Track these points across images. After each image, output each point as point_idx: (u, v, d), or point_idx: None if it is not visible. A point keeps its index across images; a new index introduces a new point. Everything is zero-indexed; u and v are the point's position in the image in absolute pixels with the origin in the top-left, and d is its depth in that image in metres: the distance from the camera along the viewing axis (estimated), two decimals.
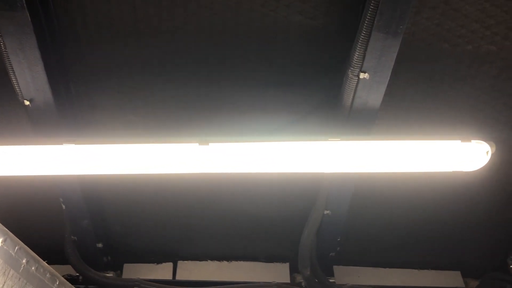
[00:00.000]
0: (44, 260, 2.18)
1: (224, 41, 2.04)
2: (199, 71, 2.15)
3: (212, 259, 3.11)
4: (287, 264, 3.11)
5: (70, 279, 2.79)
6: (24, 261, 2.09)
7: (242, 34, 2.02)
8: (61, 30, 2.02)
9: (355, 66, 1.88)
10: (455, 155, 2.01)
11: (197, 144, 1.94)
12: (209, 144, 1.95)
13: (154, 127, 2.34)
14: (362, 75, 1.90)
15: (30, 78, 1.98)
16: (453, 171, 2.06)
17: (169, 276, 3.05)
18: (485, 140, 1.97)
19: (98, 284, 2.82)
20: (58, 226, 2.70)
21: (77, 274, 2.83)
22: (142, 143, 1.96)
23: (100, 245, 2.83)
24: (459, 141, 1.98)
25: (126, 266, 3.07)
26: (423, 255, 3.08)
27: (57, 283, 2.24)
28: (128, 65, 2.15)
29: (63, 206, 2.57)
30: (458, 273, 3.17)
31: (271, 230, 2.92)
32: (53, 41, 2.00)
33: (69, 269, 2.82)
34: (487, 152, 1.98)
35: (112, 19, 1.99)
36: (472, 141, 1.98)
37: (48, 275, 2.16)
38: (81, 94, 2.25)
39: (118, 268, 3.05)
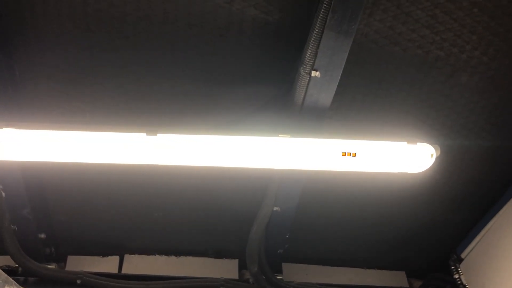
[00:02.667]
0: None
1: (176, 31, 2.01)
2: (149, 61, 2.10)
3: (160, 253, 3.06)
4: (236, 260, 3.10)
5: (9, 270, 2.69)
6: None
7: (195, 25, 1.98)
8: (5, 8, 1.93)
9: (307, 64, 1.88)
10: (401, 157, 2.05)
11: (145, 134, 1.90)
12: (157, 134, 1.91)
13: (102, 116, 2.27)
14: (313, 73, 1.90)
15: None
16: (399, 172, 2.11)
17: (114, 270, 2.98)
18: (431, 143, 2.02)
19: (38, 276, 2.73)
20: None
21: (17, 265, 2.72)
22: (86, 130, 1.90)
23: (42, 235, 2.72)
24: (405, 143, 2.02)
25: (70, 258, 2.98)
26: (370, 255, 3.14)
27: None
28: (76, 51, 2.07)
29: (3, 194, 2.45)
30: (403, 273, 3.25)
31: (221, 225, 2.90)
32: None
33: (8, 260, 2.71)
34: (432, 155, 2.04)
35: (60, 2, 1.91)
36: (417, 143, 2.03)
37: None
38: (26, 78, 2.15)
39: (61, 260, 2.95)
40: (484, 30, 2.04)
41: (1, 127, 1.90)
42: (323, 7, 1.73)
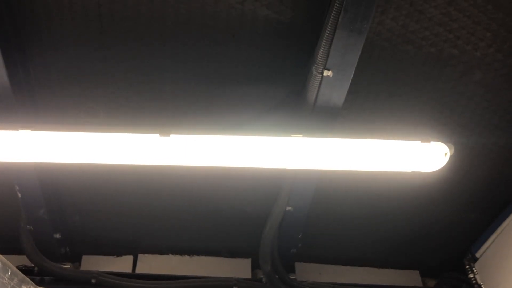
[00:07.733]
0: None
1: (188, 32, 2.02)
2: (162, 62, 2.12)
3: (174, 253, 3.08)
4: (249, 260, 3.11)
5: (25, 270, 2.71)
6: None
7: (207, 26, 1.99)
8: (21, 11, 1.95)
9: (319, 63, 1.88)
10: (414, 156, 2.04)
11: (158, 134, 1.91)
12: (171, 135, 1.92)
13: (116, 117, 2.29)
14: (326, 73, 1.90)
15: None
16: (412, 172, 2.09)
17: (128, 269, 3.00)
18: (444, 142, 2.00)
19: (54, 276, 2.76)
20: (13, 214, 2.62)
21: (33, 265, 2.76)
22: (100, 131, 1.91)
23: (57, 235, 2.75)
24: (419, 142, 2.01)
25: (85, 258, 3.01)
26: (383, 254, 3.13)
27: (9, 273, 2.16)
28: (90, 52, 2.09)
29: (19, 194, 2.48)
30: (417, 272, 3.23)
31: (234, 225, 2.91)
32: (12, 23, 1.94)
33: (24, 260, 2.75)
34: (446, 154, 2.02)
35: (74, 5, 1.93)
36: (431, 142, 2.02)
37: None
38: (40, 79, 2.18)
39: (76, 260, 2.98)
40: (499, 27, 2.02)
41: (17, 129, 1.92)
42: (335, 6, 1.73)
